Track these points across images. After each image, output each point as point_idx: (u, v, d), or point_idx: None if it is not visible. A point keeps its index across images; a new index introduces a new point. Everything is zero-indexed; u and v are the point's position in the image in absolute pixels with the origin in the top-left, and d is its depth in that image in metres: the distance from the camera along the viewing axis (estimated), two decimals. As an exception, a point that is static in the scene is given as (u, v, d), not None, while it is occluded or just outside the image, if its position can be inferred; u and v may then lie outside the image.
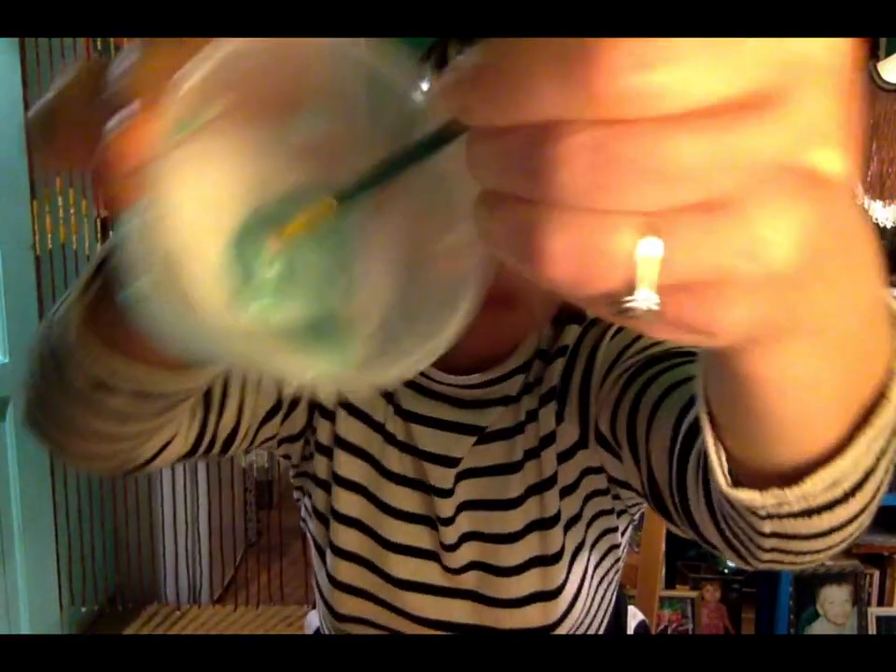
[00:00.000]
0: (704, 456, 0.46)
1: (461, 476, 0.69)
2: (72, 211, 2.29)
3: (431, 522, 0.70)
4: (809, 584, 1.97)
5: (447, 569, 0.69)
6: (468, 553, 0.69)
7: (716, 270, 0.19)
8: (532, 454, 0.68)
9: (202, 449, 0.62)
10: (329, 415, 0.71)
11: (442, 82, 0.20)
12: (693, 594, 1.98)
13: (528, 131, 0.19)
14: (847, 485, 0.34)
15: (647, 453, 0.55)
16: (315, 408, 0.71)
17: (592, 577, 0.70)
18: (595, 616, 0.72)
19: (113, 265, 0.43)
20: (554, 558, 0.67)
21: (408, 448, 0.70)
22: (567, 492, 0.68)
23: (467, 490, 0.69)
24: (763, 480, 0.34)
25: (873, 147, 1.76)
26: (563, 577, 0.67)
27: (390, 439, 0.71)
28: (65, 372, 0.46)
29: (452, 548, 0.69)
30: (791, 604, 1.96)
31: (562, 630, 0.68)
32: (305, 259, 0.33)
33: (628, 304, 0.19)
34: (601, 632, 0.76)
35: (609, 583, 0.74)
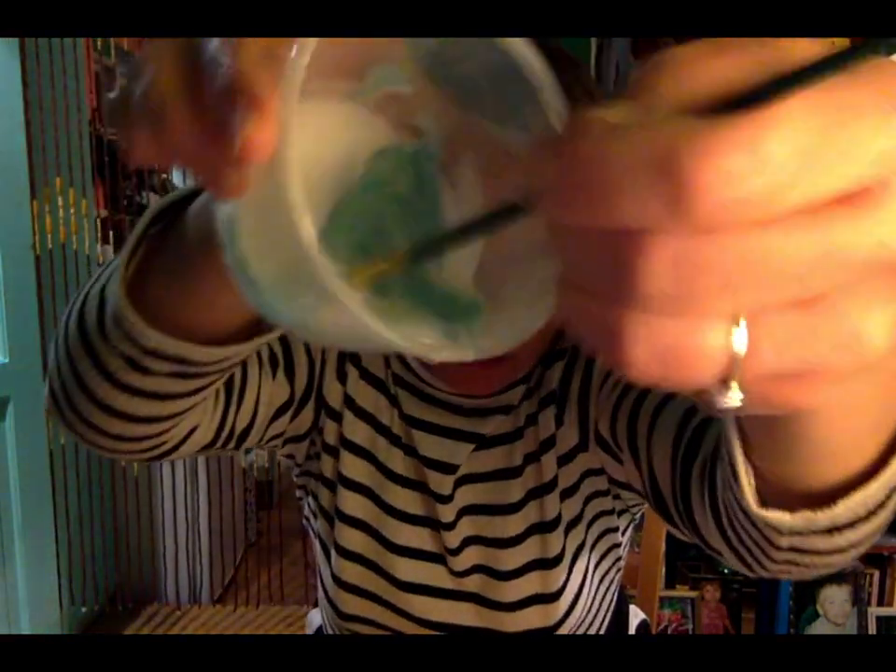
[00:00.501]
0: (711, 465, 0.46)
1: (460, 482, 0.69)
2: (72, 211, 2.29)
3: (434, 525, 0.70)
4: (809, 584, 1.96)
5: (452, 572, 0.69)
6: (470, 556, 0.69)
7: (809, 363, 0.19)
8: (532, 458, 0.68)
9: (221, 440, 0.61)
10: (336, 416, 0.71)
11: (531, 161, 0.20)
12: (693, 594, 1.98)
13: (613, 236, 0.18)
14: (871, 505, 0.34)
15: (649, 457, 0.55)
16: (322, 408, 0.71)
17: (592, 577, 0.70)
18: (595, 616, 0.72)
19: (153, 242, 0.43)
20: (555, 561, 0.67)
21: (411, 452, 0.70)
22: (567, 494, 0.68)
23: (466, 495, 0.69)
24: (790, 500, 0.34)
25: (873, 147, 1.76)
26: (563, 579, 0.67)
27: (396, 441, 0.71)
28: (100, 353, 0.46)
29: (455, 552, 0.69)
30: (791, 604, 1.96)
31: (563, 631, 0.68)
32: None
33: (718, 401, 0.19)
34: (602, 632, 0.76)
35: (611, 583, 0.74)
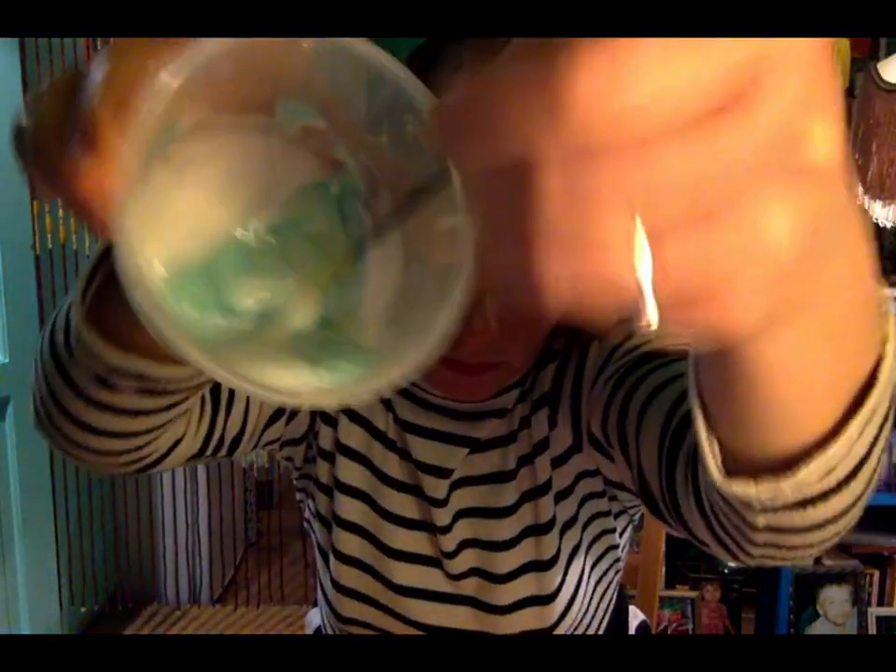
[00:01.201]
0: (694, 453, 0.46)
1: (455, 485, 0.69)
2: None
3: (430, 528, 0.70)
4: (809, 584, 1.96)
5: (449, 576, 0.69)
6: (467, 559, 0.69)
7: (723, 275, 0.19)
8: (525, 460, 0.68)
9: (210, 449, 0.61)
10: (331, 421, 0.70)
11: (431, 123, 0.21)
12: (693, 594, 1.98)
13: (511, 172, 0.19)
14: (840, 473, 0.34)
15: (637, 452, 0.55)
16: (317, 413, 0.71)
17: (589, 579, 0.70)
18: (593, 617, 0.72)
19: (109, 266, 0.43)
20: (549, 563, 0.67)
21: (406, 456, 0.70)
22: (562, 496, 0.68)
23: (461, 499, 0.69)
24: (756, 472, 0.34)
25: (873, 147, 1.76)
26: (558, 581, 0.67)
27: (391, 445, 0.71)
28: (70, 371, 0.46)
29: (451, 555, 0.69)
30: (791, 604, 1.96)
31: (559, 632, 0.68)
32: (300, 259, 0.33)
33: (638, 323, 0.19)
34: (601, 632, 0.76)
35: (609, 584, 0.74)
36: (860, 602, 1.97)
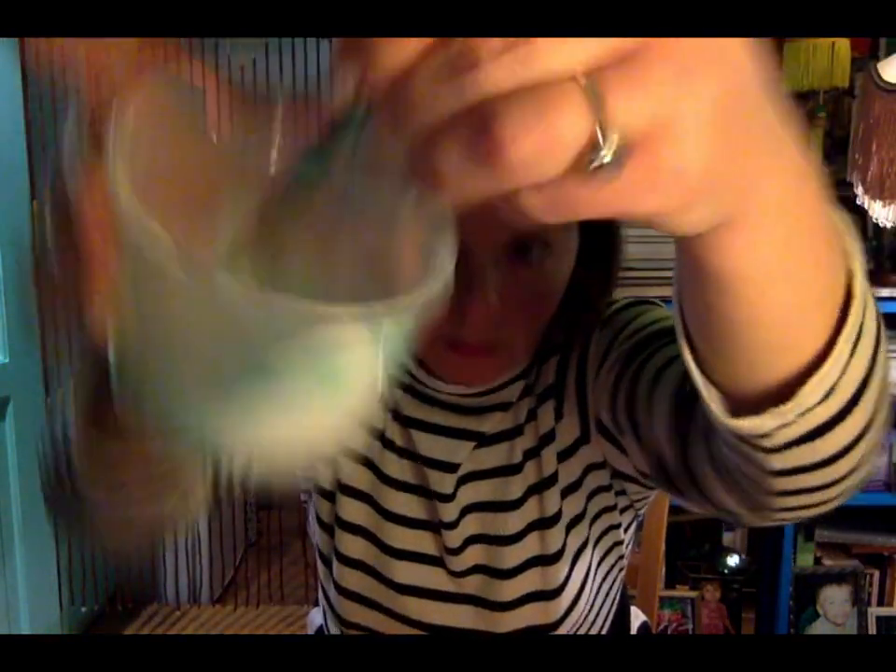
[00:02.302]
0: (701, 405, 0.46)
1: (462, 480, 0.69)
2: (72, 211, 2.28)
3: (434, 527, 0.69)
4: (809, 584, 1.96)
5: (451, 573, 0.69)
6: (472, 556, 0.69)
7: (660, 118, 0.21)
8: (532, 453, 0.68)
9: (222, 488, 0.62)
10: None
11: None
12: (693, 594, 1.97)
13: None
14: (841, 397, 0.35)
15: (649, 431, 0.55)
16: None
17: (595, 574, 0.70)
18: (598, 614, 0.72)
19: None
20: (554, 557, 0.67)
21: (407, 454, 0.70)
22: (569, 490, 0.68)
23: (469, 494, 0.69)
24: (758, 407, 0.35)
25: (873, 147, 1.76)
26: (563, 576, 0.67)
27: (389, 444, 0.71)
28: (70, 462, 0.47)
29: (456, 552, 0.69)
30: (791, 604, 1.96)
31: (564, 629, 0.68)
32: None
33: (596, 160, 0.21)
34: (604, 631, 0.76)
35: (613, 581, 0.74)
36: (860, 602, 1.97)
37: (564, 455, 0.68)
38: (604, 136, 0.20)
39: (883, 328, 0.36)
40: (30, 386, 2.11)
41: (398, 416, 0.70)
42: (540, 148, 0.20)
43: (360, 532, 0.70)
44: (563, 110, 0.20)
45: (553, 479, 0.67)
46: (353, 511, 0.70)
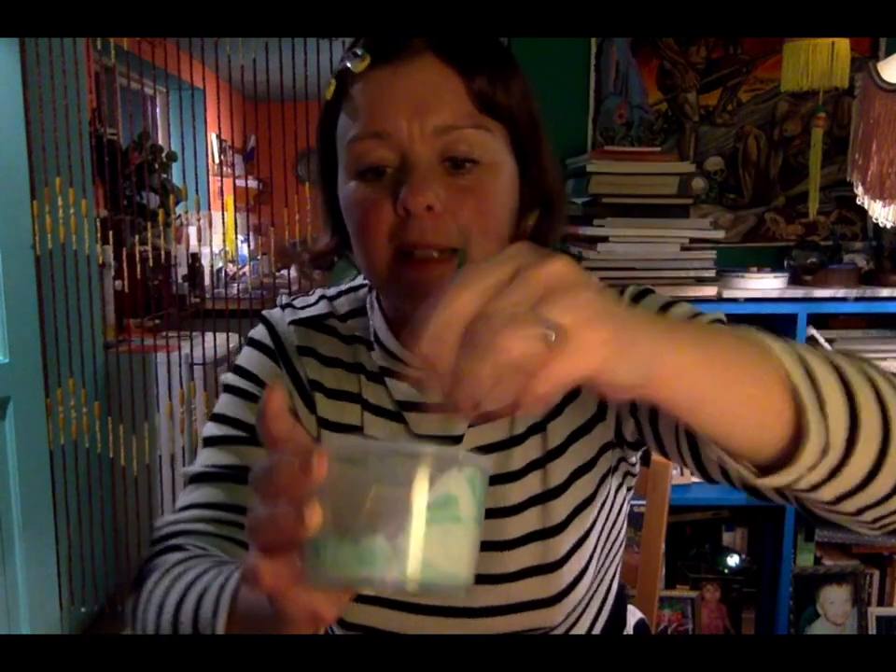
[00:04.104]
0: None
1: None
2: (72, 211, 2.29)
3: None
4: (809, 584, 1.96)
5: None
6: None
7: (573, 322, 0.35)
8: (536, 428, 0.70)
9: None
10: (333, 426, 0.72)
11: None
12: (693, 594, 1.97)
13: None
14: (837, 444, 0.43)
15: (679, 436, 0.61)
16: (318, 416, 0.72)
17: (596, 552, 0.72)
18: (597, 592, 0.74)
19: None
20: (554, 530, 0.68)
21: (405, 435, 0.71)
22: (583, 471, 0.70)
23: None
24: (772, 469, 0.45)
25: (873, 147, 1.76)
26: (564, 550, 0.68)
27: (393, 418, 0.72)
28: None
29: None
30: (791, 604, 1.95)
31: (564, 606, 0.69)
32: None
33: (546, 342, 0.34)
34: (603, 614, 0.76)
35: (614, 557, 0.76)
36: (860, 602, 1.97)
37: (578, 434, 0.70)
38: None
39: (852, 359, 0.47)
40: (30, 386, 2.11)
41: (392, 401, 0.71)
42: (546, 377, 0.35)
43: None
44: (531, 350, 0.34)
45: (557, 452, 0.69)
46: None
